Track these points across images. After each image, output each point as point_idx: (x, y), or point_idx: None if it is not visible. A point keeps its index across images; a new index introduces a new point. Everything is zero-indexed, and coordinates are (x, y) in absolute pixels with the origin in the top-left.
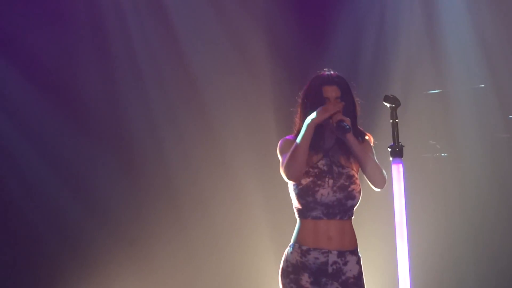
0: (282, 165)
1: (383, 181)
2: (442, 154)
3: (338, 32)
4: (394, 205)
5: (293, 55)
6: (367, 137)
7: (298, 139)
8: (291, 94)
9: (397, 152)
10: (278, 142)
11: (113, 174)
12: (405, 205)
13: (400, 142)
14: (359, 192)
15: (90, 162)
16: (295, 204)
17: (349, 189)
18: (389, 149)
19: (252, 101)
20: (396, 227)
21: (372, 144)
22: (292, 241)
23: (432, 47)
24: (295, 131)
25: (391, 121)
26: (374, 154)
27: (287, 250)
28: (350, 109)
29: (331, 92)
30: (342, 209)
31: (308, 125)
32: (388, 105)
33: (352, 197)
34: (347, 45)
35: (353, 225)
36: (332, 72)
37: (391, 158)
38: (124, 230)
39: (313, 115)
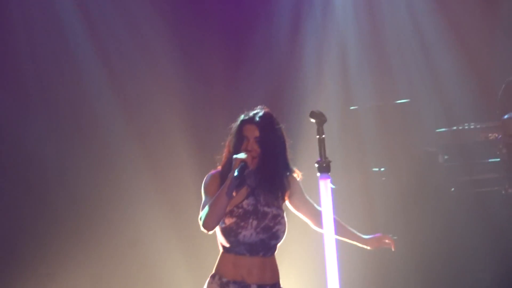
0: (201, 210)
1: None
2: (372, 169)
3: (259, 52)
4: (322, 219)
5: (212, 81)
6: (295, 174)
7: (216, 195)
8: (215, 123)
9: (324, 167)
10: (191, 176)
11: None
12: (333, 219)
13: (327, 158)
14: (284, 231)
15: None
16: (219, 238)
17: (274, 230)
18: (316, 165)
19: (172, 134)
20: (325, 241)
21: (299, 179)
22: (213, 272)
23: (358, 62)
24: (221, 166)
25: (317, 136)
26: (302, 189)
27: (208, 280)
28: (269, 151)
29: (250, 131)
30: (266, 247)
31: (226, 181)
32: (314, 121)
33: (276, 237)
34: (270, 64)
35: (278, 256)
36: (263, 109)
37: (318, 174)
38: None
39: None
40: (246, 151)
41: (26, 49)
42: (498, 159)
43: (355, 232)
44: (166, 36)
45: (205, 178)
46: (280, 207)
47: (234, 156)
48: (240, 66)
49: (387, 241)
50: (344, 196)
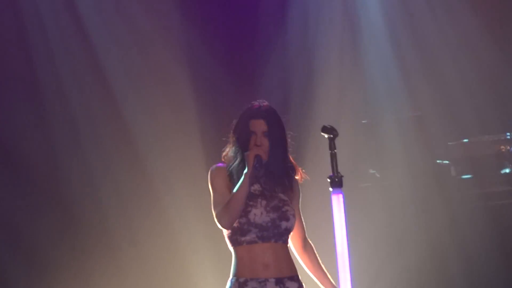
0: (215, 209)
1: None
2: (383, 182)
3: (268, 66)
4: (335, 236)
5: (221, 89)
6: (297, 177)
7: (235, 190)
8: (219, 125)
9: (337, 182)
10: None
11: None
12: (346, 235)
13: (339, 172)
14: (294, 215)
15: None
16: (227, 231)
17: (283, 209)
18: (329, 180)
19: (181, 135)
20: (338, 258)
21: (301, 181)
22: (230, 276)
23: (367, 77)
24: (223, 160)
25: (329, 151)
26: (300, 198)
27: (227, 285)
28: (277, 144)
29: (258, 126)
30: (277, 231)
31: (244, 177)
32: (326, 135)
33: (286, 218)
34: (278, 79)
35: (294, 255)
36: (263, 103)
37: (330, 189)
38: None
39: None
40: (256, 146)
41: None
42: (510, 171)
43: (327, 276)
44: (172, 47)
45: (210, 172)
46: (286, 195)
47: (247, 152)
48: (248, 78)
49: None
50: (355, 209)
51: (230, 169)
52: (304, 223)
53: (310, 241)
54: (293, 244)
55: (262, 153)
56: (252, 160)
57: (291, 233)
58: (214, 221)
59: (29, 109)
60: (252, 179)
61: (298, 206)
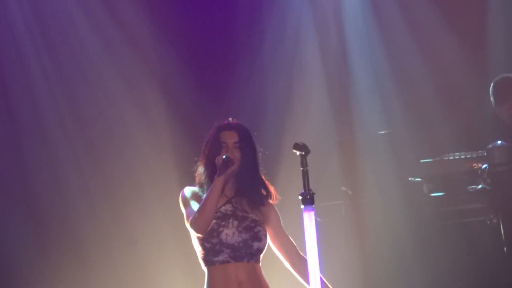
0: (188, 219)
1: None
2: (356, 200)
3: (241, 83)
4: (306, 252)
5: (194, 106)
6: (271, 201)
7: (206, 194)
8: (192, 143)
9: (308, 199)
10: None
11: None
12: (317, 252)
13: (311, 190)
14: (265, 236)
15: None
16: (200, 251)
17: (255, 230)
18: (300, 197)
19: (153, 151)
20: (309, 275)
21: (275, 202)
22: None
23: (340, 95)
24: (197, 180)
25: (301, 168)
26: (280, 220)
27: None
28: (249, 156)
29: (229, 137)
30: (249, 252)
31: (216, 180)
32: (297, 152)
33: (258, 239)
34: (251, 97)
35: (268, 274)
36: (234, 120)
37: (302, 206)
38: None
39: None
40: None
41: None
42: (482, 188)
43: (323, 280)
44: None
45: (181, 192)
46: (258, 215)
47: (217, 157)
48: (221, 96)
49: None
50: (327, 227)
51: (201, 180)
52: (292, 240)
53: (305, 256)
54: (288, 262)
55: (232, 157)
56: (221, 162)
57: (283, 254)
58: (188, 238)
59: None
60: (222, 174)
61: (281, 225)
